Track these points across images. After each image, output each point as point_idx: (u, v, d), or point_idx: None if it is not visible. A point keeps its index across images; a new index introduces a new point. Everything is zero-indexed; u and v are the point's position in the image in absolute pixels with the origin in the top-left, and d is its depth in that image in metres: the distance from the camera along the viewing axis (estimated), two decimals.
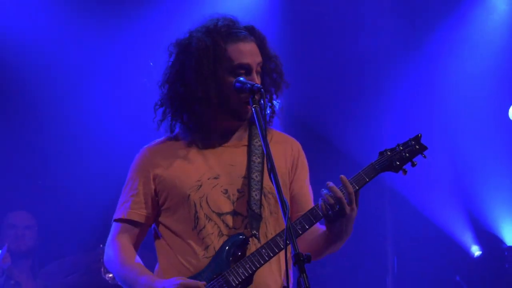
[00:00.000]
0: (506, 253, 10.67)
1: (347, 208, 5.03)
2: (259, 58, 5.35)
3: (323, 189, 5.11)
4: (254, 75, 5.27)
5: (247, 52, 5.33)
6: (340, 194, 5.01)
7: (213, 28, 5.38)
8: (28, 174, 9.83)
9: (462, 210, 10.37)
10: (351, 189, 5.06)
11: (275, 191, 4.88)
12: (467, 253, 10.93)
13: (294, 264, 4.35)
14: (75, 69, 10.04)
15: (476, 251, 10.97)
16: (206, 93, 5.31)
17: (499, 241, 10.81)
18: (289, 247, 4.56)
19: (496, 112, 10.17)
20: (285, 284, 5.01)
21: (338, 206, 5.03)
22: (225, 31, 5.36)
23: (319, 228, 5.32)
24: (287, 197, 5.08)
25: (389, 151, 5.27)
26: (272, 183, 4.68)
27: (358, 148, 5.45)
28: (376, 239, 10.62)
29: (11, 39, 10.02)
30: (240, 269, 5.12)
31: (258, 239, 5.22)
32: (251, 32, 5.44)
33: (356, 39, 10.34)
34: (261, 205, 5.30)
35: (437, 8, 10.58)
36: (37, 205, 9.68)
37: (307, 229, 5.18)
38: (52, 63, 10.00)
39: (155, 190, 5.43)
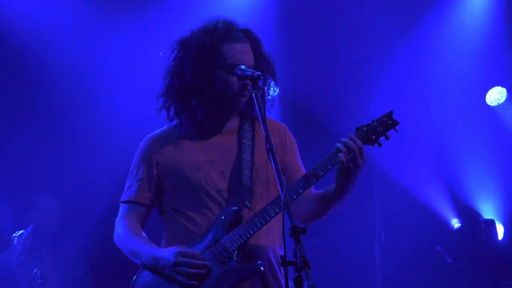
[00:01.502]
0: (483, 226, 10.74)
1: (359, 158, 5.20)
2: (251, 60, 5.47)
3: (338, 143, 5.20)
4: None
5: (240, 52, 5.46)
6: (352, 144, 5.16)
7: (212, 29, 5.52)
8: (52, 160, 9.81)
9: (443, 187, 10.42)
10: (360, 143, 5.21)
11: (265, 167, 5.38)
12: (448, 226, 11.01)
13: (290, 235, 4.46)
14: (93, 67, 10.08)
15: (455, 223, 11.06)
16: (199, 86, 5.45)
17: (476, 215, 10.86)
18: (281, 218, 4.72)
19: (474, 98, 10.27)
20: (282, 253, 4.70)
21: (351, 155, 5.15)
22: (222, 32, 5.49)
23: (314, 193, 5.45)
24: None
25: (365, 127, 5.35)
26: (270, 161, 4.78)
27: (348, 130, 5.57)
28: (365, 213, 10.65)
29: (40, 40, 10.00)
30: (235, 236, 5.27)
31: (250, 209, 5.36)
32: (247, 34, 5.57)
33: (348, 33, 10.36)
34: (252, 180, 5.42)
35: (422, 4, 10.60)
36: (59, 188, 9.75)
37: (301, 193, 5.29)
38: (74, 62, 10.02)
39: (157, 174, 5.59)
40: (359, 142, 5.22)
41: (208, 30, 5.54)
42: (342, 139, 5.19)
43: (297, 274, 4.46)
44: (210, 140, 5.64)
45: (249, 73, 5.19)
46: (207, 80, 5.48)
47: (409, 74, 10.51)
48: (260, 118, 4.98)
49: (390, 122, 5.45)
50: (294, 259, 4.50)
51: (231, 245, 5.34)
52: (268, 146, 4.85)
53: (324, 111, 9.52)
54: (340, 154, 5.18)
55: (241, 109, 5.58)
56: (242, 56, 5.48)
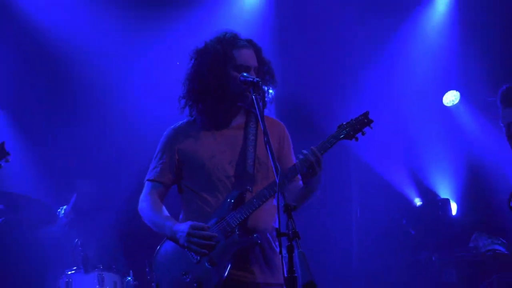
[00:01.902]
0: (439, 203, 10.81)
1: (316, 167, 5.32)
2: (255, 62, 5.62)
3: (299, 155, 5.34)
4: (252, 72, 5.54)
5: (247, 56, 5.61)
6: (311, 157, 5.27)
7: (223, 38, 5.66)
8: (90, 151, 9.98)
9: (408, 172, 10.46)
10: (318, 154, 5.30)
11: (266, 159, 5.42)
12: (411, 203, 11.11)
13: (284, 212, 4.64)
14: (123, 73, 10.14)
15: (418, 202, 11.16)
16: (215, 85, 5.57)
17: (434, 194, 10.99)
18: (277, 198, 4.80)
19: (434, 100, 10.32)
20: (277, 226, 4.89)
21: (309, 165, 5.30)
22: (231, 40, 5.64)
23: (299, 184, 5.55)
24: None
25: (345, 124, 5.48)
26: (267, 152, 4.92)
27: (332, 126, 5.62)
28: (344, 194, 10.72)
29: (81, 52, 10.02)
30: (237, 214, 5.40)
31: (251, 192, 5.48)
32: (250, 43, 5.70)
33: (334, 46, 10.38)
34: (254, 168, 5.57)
35: (393, 21, 10.62)
36: (96, 173, 9.84)
37: (289, 178, 5.44)
38: (108, 69, 10.06)
39: (178, 160, 5.73)
40: (317, 154, 5.34)
41: (219, 39, 5.68)
42: (303, 151, 5.34)
43: (289, 243, 4.60)
44: (221, 133, 5.76)
45: (250, 79, 5.38)
46: (221, 79, 5.58)
47: (383, 81, 10.53)
48: (258, 115, 5.14)
49: (366, 121, 5.55)
50: (287, 231, 4.63)
51: (234, 221, 5.47)
52: (265, 139, 4.98)
53: (312, 110, 9.57)
54: (297, 164, 5.36)
55: (247, 108, 5.67)
56: (248, 58, 5.62)
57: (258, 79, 5.38)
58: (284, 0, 10.30)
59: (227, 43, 5.66)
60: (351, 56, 10.60)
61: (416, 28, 10.72)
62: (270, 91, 5.79)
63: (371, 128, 5.53)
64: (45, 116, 10.29)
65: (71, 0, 9.87)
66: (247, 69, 5.58)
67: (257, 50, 5.73)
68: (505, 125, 6.90)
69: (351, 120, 5.55)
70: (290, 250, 4.62)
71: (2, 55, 9.73)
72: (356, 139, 5.53)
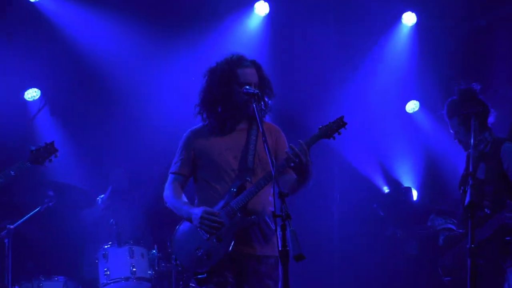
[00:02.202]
0: (403, 191, 10.80)
1: (304, 159, 5.37)
2: (256, 79, 5.70)
3: (286, 150, 5.44)
4: (253, 87, 5.60)
5: (249, 74, 5.70)
6: (296, 151, 5.37)
7: (230, 59, 5.77)
8: (124, 146, 9.94)
9: (378, 166, 10.50)
10: (305, 146, 5.38)
11: (264, 155, 5.45)
12: (380, 191, 11.15)
13: (278, 198, 4.78)
14: (149, 80, 10.15)
15: (385, 189, 11.20)
16: (222, 98, 5.71)
17: (399, 183, 10.99)
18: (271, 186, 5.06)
19: (399, 107, 10.30)
20: (272, 209, 5.03)
21: (297, 159, 5.36)
22: (236, 61, 5.74)
23: (294, 176, 5.60)
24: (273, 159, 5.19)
25: (324, 127, 5.61)
26: (265, 149, 5.07)
27: (315, 127, 5.68)
28: (327, 184, 10.75)
29: (116, 66, 10.00)
30: (239, 200, 5.57)
31: (251, 182, 5.59)
32: (253, 63, 5.79)
33: (319, 61, 10.36)
34: (254, 163, 5.69)
35: (366, 41, 10.61)
36: (128, 164, 9.91)
37: (282, 168, 5.49)
38: (138, 80, 10.09)
39: (194, 155, 5.84)
40: (304, 146, 5.41)
41: (227, 60, 5.78)
42: (291, 145, 5.44)
43: (282, 223, 4.73)
44: (228, 135, 5.84)
45: (252, 91, 5.49)
46: (227, 93, 5.68)
47: (357, 91, 10.52)
48: (258, 121, 5.29)
49: (341, 123, 5.68)
50: (281, 213, 4.76)
51: (237, 205, 5.59)
52: (264, 139, 5.11)
53: (299, 115, 9.55)
54: (286, 158, 5.44)
55: (250, 114, 5.67)
56: (250, 76, 5.71)
57: (258, 91, 5.51)
58: (277, 26, 10.26)
59: (233, 64, 5.75)
60: (331, 71, 10.59)
61: (384, 51, 10.66)
62: (268, 101, 5.83)
63: (346, 129, 5.63)
64: (86, 119, 10.35)
65: (108, 25, 9.80)
66: (249, 85, 5.63)
67: (258, 69, 5.81)
68: (454, 132, 6.89)
69: (329, 123, 5.67)
70: (283, 229, 4.74)
71: (52, 73, 9.77)
72: (334, 138, 5.65)
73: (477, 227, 6.55)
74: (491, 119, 6.83)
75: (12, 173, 6.29)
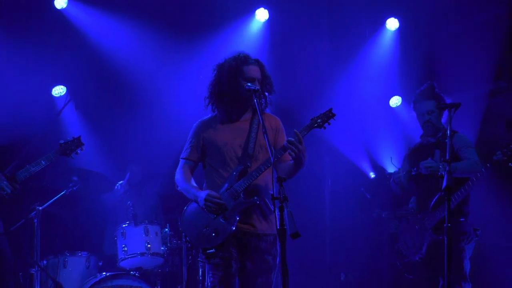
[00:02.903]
0: (387, 176, 10.74)
1: (299, 147, 5.33)
2: (259, 76, 5.69)
3: (285, 141, 5.45)
4: (257, 83, 5.64)
5: (253, 71, 5.69)
6: (292, 140, 5.34)
7: (237, 57, 5.77)
8: (141, 140, 9.96)
9: (365, 153, 10.47)
10: (299, 135, 5.35)
11: (264, 143, 5.37)
12: (367, 176, 11.10)
13: (276, 182, 4.83)
14: (164, 80, 10.12)
15: (372, 174, 11.15)
16: (230, 91, 5.69)
17: (384, 169, 10.92)
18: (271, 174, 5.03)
19: (383, 102, 10.26)
20: (271, 192, 5.12)
21: (293, 146, 5.33)
22: (242, 59, 5.74)
23: (289, 162, 5.60)
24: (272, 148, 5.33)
25: (315, 117, 5.63)
26: (265, 139, 5.13)
27: (308, 118, 5.73)
28: (319, 169, 10.76)
29: (127, 61, 10.02)
30: (242, 183, 5.55)
31: (251, 167, 5.59)
32: (257, 61, 5.78)
33: (313, 59, 10.38)
34: (255, 150, 5.68)
35: (355, 44, 10.60)
36: (144, 155, 9.87)
37: (280, 155, 5.50)
38: (149, 74, 10.06)
39: (202, 144, 5.83)
40: (299, 135, 5.39)
41: (234, 58, 5.78)
42: (289, 138, 5.42)
43: (280, 205, 4.78)
44: (234, 125, 5.85)
45: (253, 87, 5.50)
46: (233, 86, 5.68)
47: (347, 87, 10.50)
48: (258, 113, 5.30)
49: (330, 114, 5.70)
50: (279, 195, 4.81)
51: (239, 188, 5.60)
52: (264, 130, 5.16)
53: (293, 107, 9.50)
54: (285, 145, 5.42)
55: (253, 107, 5.69)
56: (254, 72, 5.71)
57: (258, 88, 5.53)
58: (276, 31, 10.27)
59: (240, 61, 5.74)
60: (323, 70, 10.59)
61: (371, 52, 10.62)
62: (270, 95, 5.84)
63: (334, 120, 5.65)
64: (107, 113, 10.32)
65: (127, 30, 9.85)
66: (253, 80, 5.65)
67: (261, 67, 5.80)
68: (425, 113, 7.11)
69: (320, 114, 5.68)
70: (281, 210, 4.77)
71: (77, 72, 9.76)
72: (324, 127, 5.66)
73: (439, 206, 6.65)
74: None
75: (43, 162, 6.29)
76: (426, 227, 6.81)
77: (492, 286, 8.82)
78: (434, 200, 6.81)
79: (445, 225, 5.42)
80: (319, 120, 5.61)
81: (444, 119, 7.14)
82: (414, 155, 7.25)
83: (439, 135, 7.05)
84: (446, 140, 6.37)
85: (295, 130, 5.43)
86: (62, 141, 6.61)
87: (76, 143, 6.69)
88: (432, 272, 6.74)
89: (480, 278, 8.77)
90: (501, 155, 6.50)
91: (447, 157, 5.63)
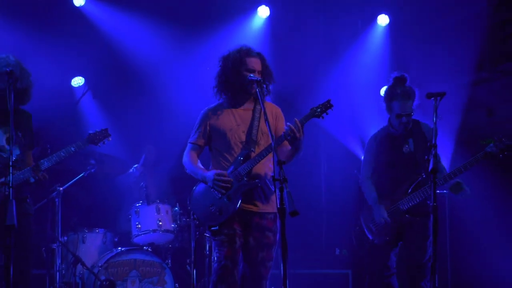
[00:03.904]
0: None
1: (298, 134, 5.37)
2: (260, 67, 5.70)
3: (285, 126, 5.47)
4: (257, 73, 5.66)
5: (254, 62, 5.71)
6: (293, 127, 5.36)
7: (240, 49, 5.79)
8: (154, 127, 9.98)
9: (358, 139, 10.40)
10: (299, 123, 5.38)
11: (266, 130, 5.45)
12: (360, 159, 10.79)
13: (277, 165, 4.85)
14: (173, 70, 10.10)
15: (363, 157, 11.00)
16: (234, 80, 5.71)
17: None
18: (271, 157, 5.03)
19: (375, 92, 10.18)
20: (272, 174, 5.08)
21: (293, 133, 5.37)
22: (245, 51, 5.76)
23: (288, 147, 5.63)
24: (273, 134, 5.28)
25: (315, 107, 5.60)
26: (266, 125, 5.15)
27: (307, 108, 5.71)
28: (316, 154, 10.73)
29: (139, 54, 10.03)
30: (245, 166, 5.61)
31: (254, 152, 5.63)
32: (258, 54, 5.80)
33: (311, 52, 10.35)
34: (257, 136, 5.70)
35: (347, 39, 10.55)
36: (157, 140, 9.86)
37: (280, 141, 5.50)
38: (159, 65, 10.07)
39: (209, 130, 5.84)
40: (299, 123, 5.41)
41: (237, 50, 5.79)
42: (288, 123, 5.44)
43: (280, 186, 4.81)
44: (238, 112, 5.85)
45: (255, 78, 5.52)
46: (237, 77, 5.69)
47: (341, 77, 10.43)
48: (260, 102, 5.32)
49: (328, 105, 5.67)
50: (279, 177, 4.82)
51: (243, 171, 5.63)
52: (265, 117, 5.20)
53: (294, 97, 9.49)
54: (285, 132, 5.44)
55: (255, 96, 5.67)
56: (255, 64, 5.72)
57: (260, 78, 5.56)
58: (276, 26, 10.26)
59: (243, 53, 5.74)
60: (320, 62, 10.50)
61: (363, 46, 10.54)
62: (270, 85, 5.84)
63: (332, 110, 5.63)
64: (121, 102, 10.26)
65: (139, 26, 9.87)
66: (253, 71, 5.66)
67: (263, 59, 5.81)
68: (410, 112, 6.95)
69: (319, 104, 5.65)
70: (281, 190, 4.78)
71: (94, 64, 9.78)
72: (322, 117, 5.63)
73: (417, 189, 6.72)
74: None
75: (73, 149, 6.26)
76: (399, 209, 6.77)
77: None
78: (408, 185, 6.80)
79: (431, 203, 5.46)
80: (318, 110, 5.58)
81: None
82: (384, 144, 7.07)
83: (410, 126, 6.96)
84: (425, 129, 6.88)
85: (295, 118, 5.44)
86: (91, 131, 6.63)
87: (104, 133, 6.70)
88: (389, 251, 6.90)
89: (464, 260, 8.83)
90: (494, 148, 6.46)
91: (433, 142, 5.63)
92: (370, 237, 6.99)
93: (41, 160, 6.02)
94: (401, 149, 6.92)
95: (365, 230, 7.05)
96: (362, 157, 7.41)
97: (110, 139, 6.76)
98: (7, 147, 5.87)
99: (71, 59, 9.50)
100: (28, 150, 6.22)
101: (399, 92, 6.84)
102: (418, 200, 6.70)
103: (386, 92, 7.06)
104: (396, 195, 6.84)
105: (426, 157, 6.21)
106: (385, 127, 7.14)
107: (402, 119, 6.84)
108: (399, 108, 6.83)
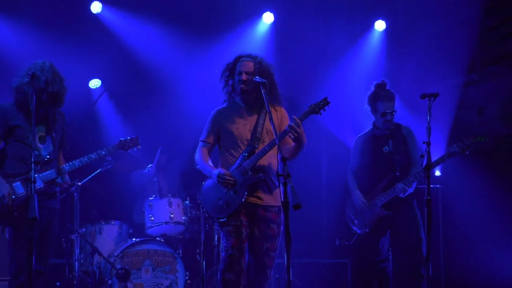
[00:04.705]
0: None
1: (298, 130, 5.38)
2: (250, 69, 5.68)
3: (286, 125, 5.48)
4: (243, 75, 5.68)
5: (243, 66, 5.74)
6: (292, 124, 5.39)
7: (237, 57, 5.83)
8: (167, 128, 9.94)
9: (355, 135, 10.38)
10: (298, 120, 5.39)
11: (270, 128, 5.46)
12: None
13: (281, 161, 4.82)
14: (182, 71, 10.11)
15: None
16: (232, 84, 5.80)
17: None
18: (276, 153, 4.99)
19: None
20: (276, 170, 5.25)
21: (294, 130, 5.39)
22: (237, 57, 5.83)
23: (292, 144, 5.64)
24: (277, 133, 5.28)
25: (312, 105, 5.58)
26: (271, 124, 5.13)
27: (306, 105, 5.76)
28: (316, 149, 10.64)
29: (152, 58, 10.05)
30: (250, 162, 5.62)
31: (258, 148, 5.62)
32: (252, 58, 5.77)
33: (311, 55, 10.35)
34: (262, 134, 5.69)
35: (345, 45, 10.51)
36: (170, 141, 9.81)
37: (281, 140, 5.52)
38: (171, 68, 10.07)
39: (218, 129, 5.83)
40: (298, 120, 5.43)
41: (235, 58, 5.86)
42: (289, 123, 5.45)
43: (284, 180, 4.73)
44: (244, 112, 5.84)
45: (259, 80, 5.43)
46: (233, 80, 5.80)
47: (340, 78, 10.36)
48: (265, 101, 5.29)
49: (325, 102, 5.63)
50: (283, 172, 4.81)
51: (247, 166, 5.64)
52: (270, 116, 5.14)
53: (295, 95, 9.37)
54: (287, 129, 5.46)
55: (257, 97, 5.61)
56: (244, 67, 5.72)
57: (265, 80, 5.47)
58: (280, 31, 10.29)
59: (236, 59, 5.82)
60: (320, 64, 10.48)
61: (361, 49, 10.53)
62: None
63: (329, 107, 5.59)
64: (136, 103, 10.30)
65: (152, 32, 9.94)
66: (240, 73, 5.73)
67: (257, 62, 5.75)
68: (392, 111, 7.22)
69: (316, 102, 5.62)
70: (285, 185, 4.79)
71: (110, 67, 9.76)
72: (320, 113, 5.60)
73: (390, 187, 6.97)
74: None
75: (103, 152, 6.30)
76: (376, 204, 7.02)
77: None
78: (385, 182, 7.04)
79: (425, 198, 5.51)
80: (316, 107, 5.58)
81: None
82: (368, 144, 7.37)
83: (392, 128, 7.22)
84: (404, 132, 7.17)
85: (293, 116, 5.46)
86: (122, 138, 6.68)
87: (134, 142, 6.74)
88: (376, 240, 7.13)
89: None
90: (457, 148, 6.67)
91: (427, 140, 5.67)
92: (354, 229, 7.28)
93: (73, 161, 6.10)
94: (381, 149, 7.19)
95: (349, 222, 7.35)
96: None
97: (140, 147, 6.81)
98: (39, 145, 5.95)
99: (89, 62, 9.51)
100: (60, 149, 6.27)
101: (382, 94, 7.17)
102: (391, 197, 6.96)
103: (369, 96, 7.35)
104: (374, 190, 7.10)
105: (420, 154, 6.25)
106: (370, 130, 7.46)
107: (386, 117, 7.12)
108: (384, 107, 7.13)
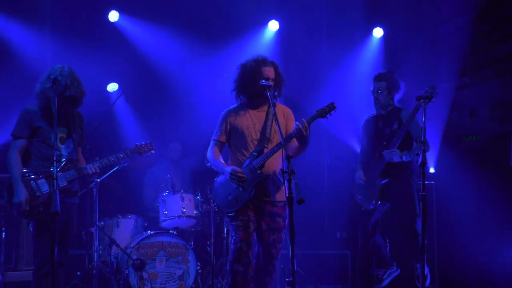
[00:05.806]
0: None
1: (305, 133, 5.39)
2: (273, 75, 5.68)
3: (294, 125, 5.48)
4: (271, 80, 5.66)
5: (269, 71, 5.69)
6: (301, 126, 5.39)
7: (256, 59, 5.80)
8: (181, 126, 9.89)
9: (355, 136, 10.36)
10: (306, 123, 5.40)
11: (277, 129, 5.39)
12: (357, 153, 10.90)
13: (286, 159, 4.86)
14: (193, 74, 10.09)
15: (359, 149, 10.97)
16: (250, 86, 5.72)
17: None
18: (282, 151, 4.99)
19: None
20: (281, 167, 5.16)
21: (301, 132, 5.43)
22: (261, 61, 5.76)
23: (296, 144, 5.63)
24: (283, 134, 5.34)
25: (320, 109, 5.61)
26: (276, 125, 5.14)
27: (313, 109, 5.73)
28: (319, 149, 10.66)
29: (166, 62, 10.06)
30: (259, 160, 5.62)
31: (267, 148, 5.65)
32: (272, 63, 5.79)
33: (314, 61, 10.34)
34: (271, 134, 5.69)
35: (346, 48, 10.49)
36: (182, 138, 9.83)
37: (287, 141, 5.55)
38: (183, 72, 10.05)
39: (229, 128, 5.83)
40: (306, 123, 5.45)
41: (254, 59, 5.80)
42: (297, 122, 5.49)
43: (289, 177, 4.69)
44: (254, 113, 5.85)
45: (266, 83, 5.37)
46: (253, 82, 5.68)
47: (341, 82, 10.32)
48: (271, 104, 5.36)
49: (332, 107, 5.70)
50: (288, 170, 4.83)
51: (257, 164, 5.66)
52: (276, 118, 5.19)
53: (302, 100, 9.38)
54: (294, 131, 5.50)
55: (265, 96, 5.58)
56: (269, 73, 5.71)
57: (271, 84, 5.55)
58: (285, 38, 10.30)
59: (259, 62, 5.74)
60: (323, 69, 10.42)
61: (361, 55, 10.51)
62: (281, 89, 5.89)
63: (336, 112, 5.64)
64: (151, 105, 10.31)
65: (166, 38, 9.95)
66: (268, 79, 5.64)
67: (276, 68, 5.79)
68: (375, 90, 7.59)
69: (324, 106, 5.66)
70: (289, 181, 4.81)
71: (127, 71, 9.76)
72: (327, 118, 5.65)
73: (380, 159, 7.26)
74: (399, 96, 7.49)
75: (121, 155, 6.36)
76: (375, 174, 7.25)
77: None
78: (378, 153, 7.32)
79: (421, 193, 5.52)
80: (323, 111, 5.60)
81: (395, 98, 7.54)
82: (368, 125, 7.72)
83: (389, 110, 7.48)
84: (402, 114, 7.28)
85: (303, 119, 5.44)
86: (138, 143, 6.72)
87: (149, 146, 6.79)
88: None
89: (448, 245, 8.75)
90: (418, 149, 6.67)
91: (422, 139, 5.64)
92: (363, 206, 7.47)
93: (93, 162, 6.16)
94: (378, 126, 7.47)
95: (357, 200, 7.55)
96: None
97: (154, 152, 6.83)
98: (60, 145, 5.98)
99: (107, 67, 9.52)
100: (79, 147, 6.32)
101: (375, 75, 7.60)
102: (383, 165, 7.17)
103: None
104: (372, 162, 7.37)
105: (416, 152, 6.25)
106: (372, 113, 7.77)
107: (374, 95, 7.50)
108: (373, 87, 7.52)
